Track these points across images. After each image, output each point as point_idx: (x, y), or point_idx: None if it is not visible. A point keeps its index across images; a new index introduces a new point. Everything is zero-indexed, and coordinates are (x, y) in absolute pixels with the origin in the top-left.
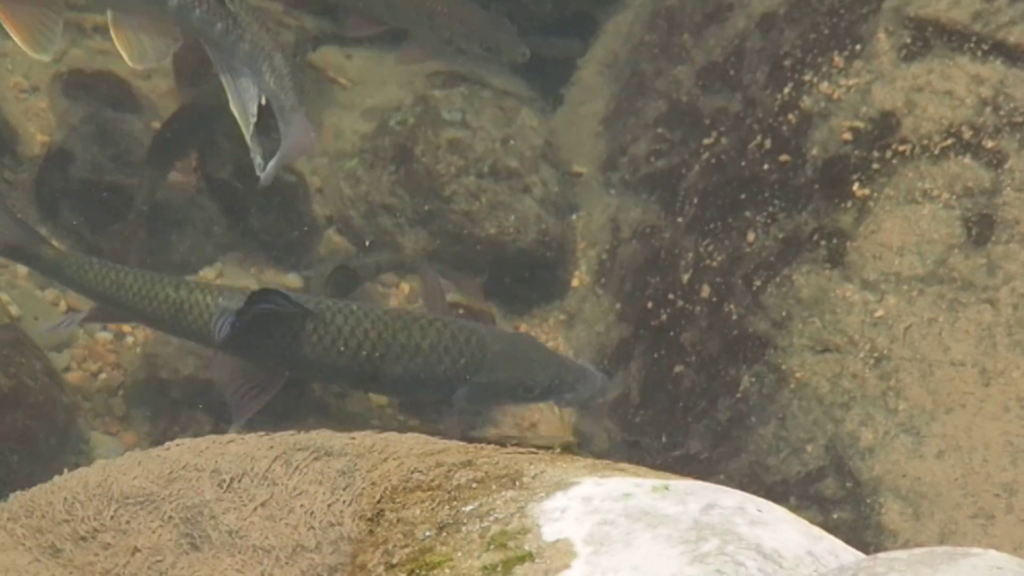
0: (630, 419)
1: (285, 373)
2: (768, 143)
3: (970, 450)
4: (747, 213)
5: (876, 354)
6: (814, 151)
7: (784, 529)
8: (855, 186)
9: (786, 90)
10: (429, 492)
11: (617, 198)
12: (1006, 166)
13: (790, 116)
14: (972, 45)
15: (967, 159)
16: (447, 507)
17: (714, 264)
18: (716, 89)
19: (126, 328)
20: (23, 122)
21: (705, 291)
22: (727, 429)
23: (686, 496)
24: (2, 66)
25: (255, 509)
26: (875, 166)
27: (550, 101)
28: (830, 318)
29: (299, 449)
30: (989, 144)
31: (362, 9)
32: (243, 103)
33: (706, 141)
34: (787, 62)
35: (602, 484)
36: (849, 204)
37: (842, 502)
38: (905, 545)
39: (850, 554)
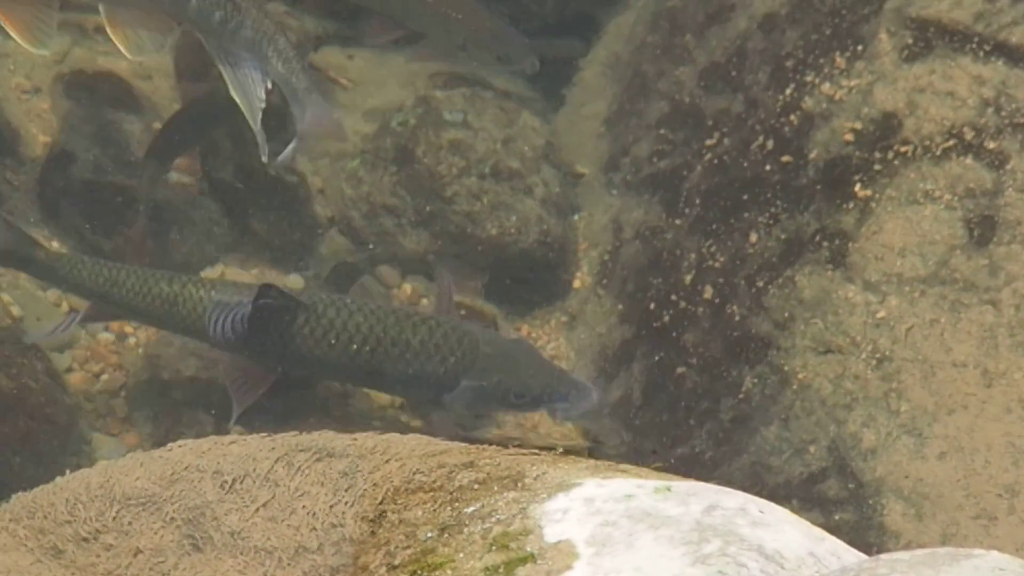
0: (632, 420)
1: (277, 368)
2: (770, 144)
3: (972, 451)
4: (749, 214)
5: (878, 355)
6: (816, 152)
7: (786, 530)
8: (857, 187)
9: (788, 91)
10: (431, 493)
11: (619, 199)
12: (1008, 167)
13: (792, 117)
14: (974, 46)
15: (969, 160)
16: (449, 508)
17: (716, 265)
18: (718, 90)
19: (128, 329)
20: (25, 123)
21: (708, 292)
22: (729, 430)
23: (688, 497)
24: (4, 67)
25: (257, 510)
26: (877, 167)
27: (552, 102)
28: (832, 319)
29: (301, 450)
30: (991, 145)
31: (384, 11)
32: (247, 91)
33: (708, 142)
34: (789, 63)
35: (604, 485)
36: (851, 205)
37: (844, 503)
38: (907, 546)
39: (852, 555)
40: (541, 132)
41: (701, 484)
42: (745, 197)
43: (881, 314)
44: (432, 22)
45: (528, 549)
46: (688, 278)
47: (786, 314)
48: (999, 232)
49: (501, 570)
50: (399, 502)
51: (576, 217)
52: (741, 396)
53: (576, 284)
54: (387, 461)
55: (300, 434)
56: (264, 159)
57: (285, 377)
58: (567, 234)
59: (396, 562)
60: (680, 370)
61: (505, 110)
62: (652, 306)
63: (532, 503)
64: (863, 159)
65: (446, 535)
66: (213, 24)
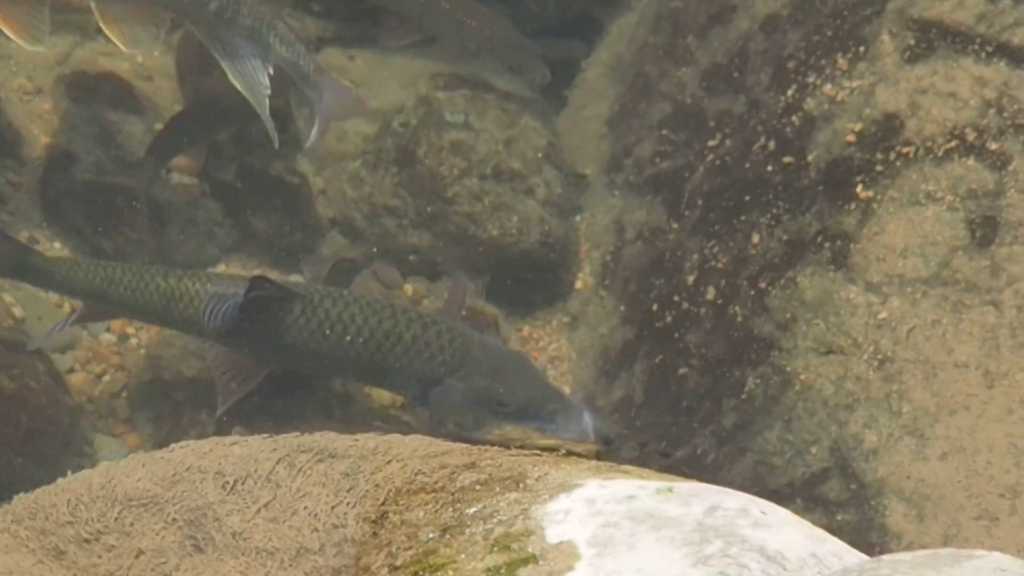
0: (633, 421)
1: (270, 362)
2: (772, 145)
3: (974, 452)
4: (751, 215)
5: (880, 356)
6: (818, 153)
7: (788, 531)
8: (859, 188)
9: (790, 92)
10: (433, 494)
11: (621, 200)
12: (1010, 168)
13: (794, 118)
14: (976, 47)
15: (971, 161)
16: (451, 509)
17: (719, 266)
18: (720, 91)
19: (130, 330)
20: (27, 124)
21: (710, 293)
22: (731, 431)
23: (690, 498)
24: (6, 68)
25: (259, 511)
26: (879, 168)
27: (554, 103)
28: (834, 320)
29: (303, 451)
30: (993, 146)
31: (404, 13)
32: (250, 80)
33: (710, 143)
34: (791, 64)
35: (606, 486)
36: (853, 206)
37: (846, 504)
38: (909, 547)
39: (854, 556)
40: (543, 133)
41: (703, 485)
42: (747, 198)
43: (883, 315)
44: (447, 27)
45: (530, 550)
46: (690, 279)
47: (788, 315)
48: (1001, 233)
49: (503, 571)
50: (401, 503)
51: (578, 218)
52: (743, 397)
53: (578, 285)
54: (389, 462)
55: (302, 435)
56: (276, 146)
57: (280, 370)
58: (569, 235)
59: (398, 563)
60: (682, 371)
61: (507, 111)
62: (654, 307)
63: (534, 504)
64: (865, 160)
65: (448, 536)
66: (208, 14)
